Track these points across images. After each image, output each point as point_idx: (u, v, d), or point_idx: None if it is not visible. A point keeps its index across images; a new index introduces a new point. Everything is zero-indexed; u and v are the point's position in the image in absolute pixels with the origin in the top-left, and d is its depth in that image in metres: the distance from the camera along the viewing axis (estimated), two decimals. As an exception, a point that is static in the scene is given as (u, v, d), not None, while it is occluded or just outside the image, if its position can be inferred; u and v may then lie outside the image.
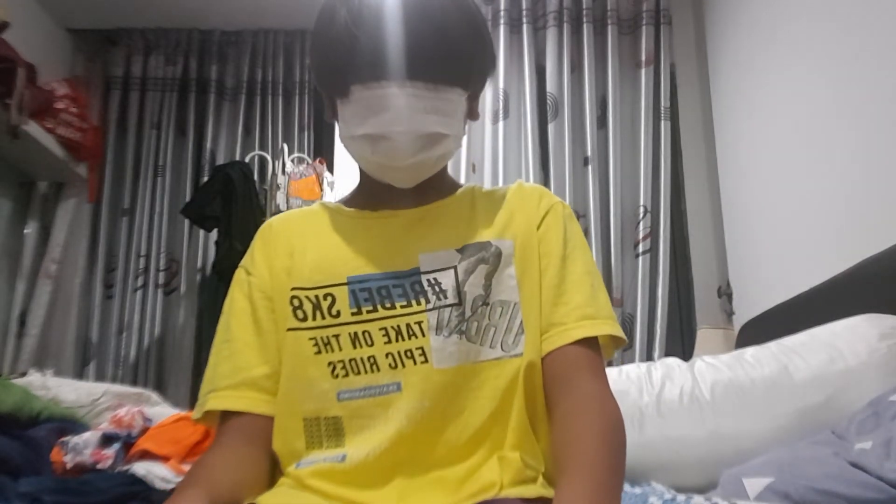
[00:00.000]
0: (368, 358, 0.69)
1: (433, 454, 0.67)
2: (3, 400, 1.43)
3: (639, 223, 2.60)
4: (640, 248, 2.58)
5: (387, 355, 0.69)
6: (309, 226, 0.79)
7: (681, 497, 1.03)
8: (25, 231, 2.93)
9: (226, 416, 0.72)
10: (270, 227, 0.81)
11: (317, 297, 0.72)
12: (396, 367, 0.68)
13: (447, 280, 0.71)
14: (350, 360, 0.69)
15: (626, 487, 1.21)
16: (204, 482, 0.65)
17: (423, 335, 0.69)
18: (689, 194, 2.73)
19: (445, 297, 0.70)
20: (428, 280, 0.71)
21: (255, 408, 0.71)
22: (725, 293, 2.54)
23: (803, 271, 1.81)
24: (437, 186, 0.79)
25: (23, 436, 1.43)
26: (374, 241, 0.75)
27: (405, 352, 0.69)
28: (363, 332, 0.70)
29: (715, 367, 1.37)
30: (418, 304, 0.70)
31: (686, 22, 2.85)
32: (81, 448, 1.35)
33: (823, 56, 1.79)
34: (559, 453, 0.64)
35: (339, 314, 0.71)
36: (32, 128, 2.55)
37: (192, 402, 1.00)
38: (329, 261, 0.74)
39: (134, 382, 2.66)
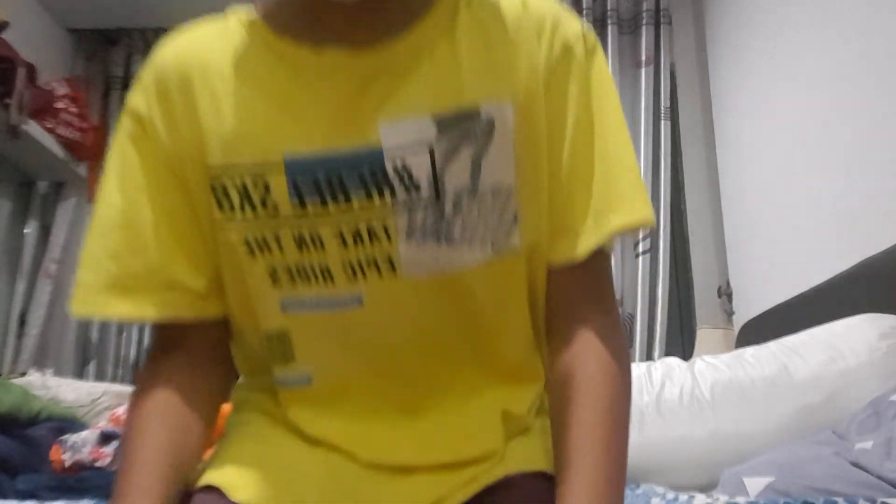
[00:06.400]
0: (321, 265, 0.54)
1: (418, 384, 0.58)
2: (2, 400, 1.43)
3: (639, 223, 2.60)
4: (640, 248, 2.58)
5: (343, 264, 0.54)
6: (223, 64, 0.55)
7: (683, 496, 1.03)
8: (25, 231, 2.93)
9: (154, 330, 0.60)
10: (164, 66, 0.56)
11: (244, 184, 0.53)
12: (356, 277, 0.54)
13: (420, 166, 0.52)
14: (297, 266, 0.55)
15: (627, 491, 1.21)
16: (151, 464, 0.53)
17: (389, 240, 0.53)
18: (689, 194, 2.73)
19: (418, 191, 0.53)
20: (394, 165, 0.52)
21: (184, 312, 0.57)
22: (725, 293, 2.53)
23: (803, 271, 1.81)
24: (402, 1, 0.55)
25: (22, 435, 1.43)
26: (317, 101, 0.53)
27: (366, 260, 0.54)
28: (311, 235, 0.54)
29: (715, 366, 1.37)
30: (381, 197, 0.53)
31: (686, 22, 2.85)
32: (80, 446, 1.35)
33: (824, 56, 1.79)
34: (558, 435, 0.55)
35: (276, 208, 0.53)
36: (32, 127, 2.55)
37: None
38: (257, 126, 0.53)
39: (134, 382, 2.66)
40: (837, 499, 0.84)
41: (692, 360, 1.45)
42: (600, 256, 0.58)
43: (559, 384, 0.56)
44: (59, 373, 2.05)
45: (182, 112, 0.55)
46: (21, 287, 2.82)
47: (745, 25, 2.35)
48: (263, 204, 0.53)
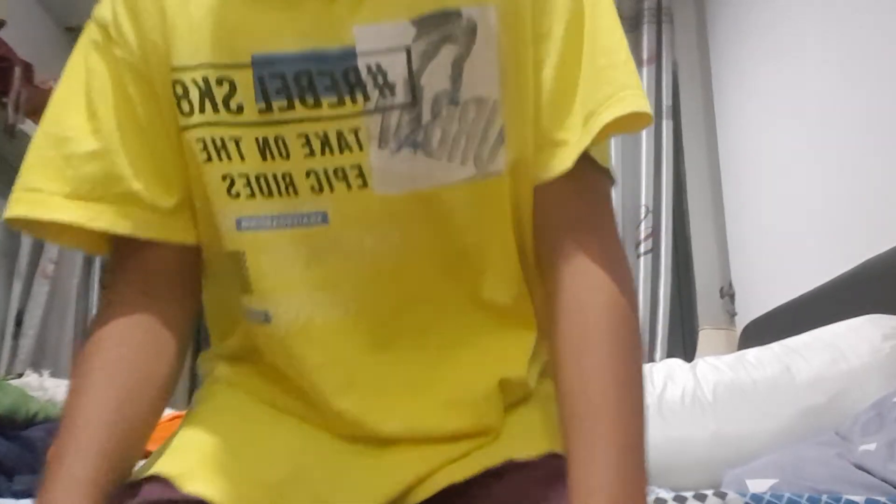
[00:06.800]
0: (284, 176, 0.50)
1: (391, 322, 0.52)
2: (0, 401, 1.42)
3: (640, 223, 2.59)
4: (642, 249, 2.57)
5: (308, 174, 0.50)
6: None
7: (688, 493, 1.02)
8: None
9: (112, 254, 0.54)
10: None
11: (206, 79, 0.50)
12: (322, 190, 0.50)
13: (396, 68, 0.49)
14: (257, 176, 0.50)
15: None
16: (89, 437, 0.48)
17: (360, 148, 0.49)
18: (692, 194, 2.72)
19: (392, 94, 0.49)
20: (368, 67, 0.49)
21: (143, 230, 0.51)
22: (728, 294, 2.52)
23: (806, 272, 1.80)
24: None
25: (19, 436, 1.42)
26: (291, 3, 0.50)
27: (334, 171, 0.49)
28: (275, 139, 0.49)
29: (717, 367, 1.37)
30: (353, 101, 0.49)
31: (688, 20, 2.84)
32: (77, 448, 1.34)
33: (826, 54, 1.78)
34: (565, 398, 0.48)
35: (240, 109, 0.50)
36: (29, 127, 2.53)
37: (189, 400, 0.85)
38: (224, 26, 0.50)
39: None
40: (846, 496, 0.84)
41: (694, 361, 1.44)
42: (594, 171, 0.53)
43: (560, 329, 0.50)
44: (56, 374, 2.04)
45: (150, 12, 0.52)
46: (18, 287, 2.81)
47: (747, 23, 2.34)
48: (226, 104, 0.50)
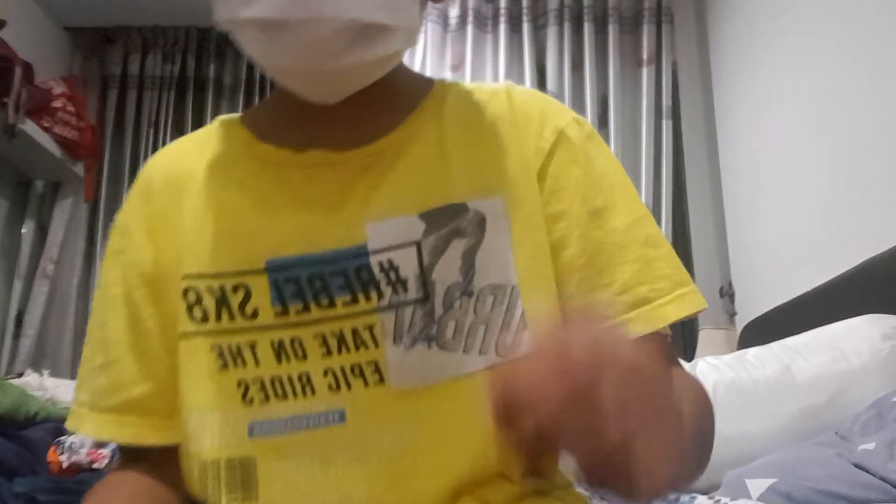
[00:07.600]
0: (300, 376, 0.50)
1: None
2: (0, 401, 1.42)
3: (639, 223, 2.59)
4: (641, 248, 2.57)
5: (325, 372, 0.49)
6: (210, 172, 0.55)
7: (684, 497, 1.02)
8: (22, 231, 2.92)
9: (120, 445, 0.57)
10: (150, 176, 0.57)
11: (222, 288, 0.51)
12: (339, 388, 0.49)
13: (407, 263, 0.50)
14: (273, 380, 0.50)
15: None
16: None
17: (376, 345, 0.49)
18: (691, 194, 2.72)
19: (405, 290, 0.50)
20: (380, 264, 0.50)
21: (143, 438, 0.54)
22: (727, 293, 2.52)
23: (806, 271, 1.80)
24: (388, 100, 0.55)
25: (19, 436, 1.42)
26: (301, 205, 0.52)
27: (351, 368, 0.49)
28: (291, 341, 0.50)
29: (717, 367, 1.37)
30: (367, 299, 0.50)
31: (688, 20, 2.84)
32: (77, 448, 1.35)
33: (826, 54, 1.78)
34: None
35: (255, 314, 0.50)
36: (29, 127, 2.53)
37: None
38: (239, 234, 0.52)
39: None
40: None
41: (694, 360, 1.44)
42: (656, 335, 0.53)
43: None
44: (56, 373, 2.04)
45: (164, 220, 0.55)
46: (18, 287, 2.81)
47: (747, 23, 2.34)
48: (242, 310, 0.51)
